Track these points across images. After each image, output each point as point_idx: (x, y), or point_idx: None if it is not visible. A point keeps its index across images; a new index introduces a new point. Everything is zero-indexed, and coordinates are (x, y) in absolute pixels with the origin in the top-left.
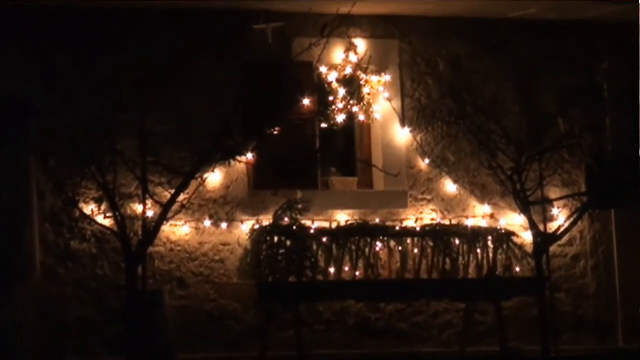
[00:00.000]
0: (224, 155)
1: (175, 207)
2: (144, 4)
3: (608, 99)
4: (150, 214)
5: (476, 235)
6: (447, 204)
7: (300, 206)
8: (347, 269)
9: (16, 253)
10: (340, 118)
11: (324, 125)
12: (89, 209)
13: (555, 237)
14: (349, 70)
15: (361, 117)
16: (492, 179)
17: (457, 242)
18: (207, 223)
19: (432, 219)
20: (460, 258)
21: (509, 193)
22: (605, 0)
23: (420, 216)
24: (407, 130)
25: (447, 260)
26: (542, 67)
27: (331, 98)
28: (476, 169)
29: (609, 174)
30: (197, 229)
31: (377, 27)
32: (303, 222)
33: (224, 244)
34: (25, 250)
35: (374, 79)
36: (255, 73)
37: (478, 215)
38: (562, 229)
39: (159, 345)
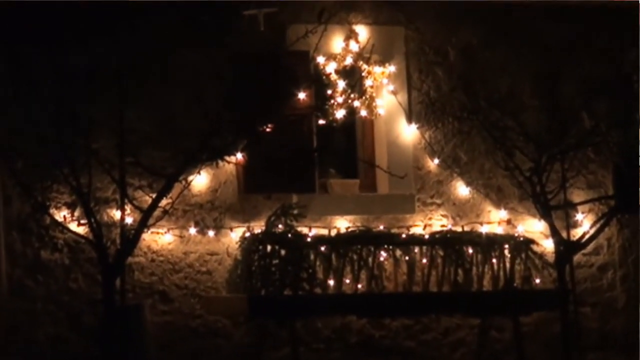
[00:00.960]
0: (211, 155)
1: (157, 212)
2: None
3: (637, 91)
4: (129, 220)
5: (491, 243)
6: (459, 209)
7: (295, 211)
8: (348, 281)
9: None
10: (340, 113)
11: (321, 121)
12: (61, 215)
13: (579, 245)
14: (349, 61)
15: (363, 113)
16: (508, 181)
17: (470, 251)
18: (193, 230)
19: (442, 226)
20: (474, 268)
21: (528, 196)
22: None
23: (429, 222)
24: (414, 126)
25: (459, 271)
26: (564, 56)
27: (330, 91)
28: (491, 170)
29: (638, 174)
30: (181, 237)
31: (381, 12)
32: (299, 229)
33: (212, 254)
34: None
35: (377, 69)
36: (245, 64)
37: (493, 221)
38: (587, 236)
39: None
